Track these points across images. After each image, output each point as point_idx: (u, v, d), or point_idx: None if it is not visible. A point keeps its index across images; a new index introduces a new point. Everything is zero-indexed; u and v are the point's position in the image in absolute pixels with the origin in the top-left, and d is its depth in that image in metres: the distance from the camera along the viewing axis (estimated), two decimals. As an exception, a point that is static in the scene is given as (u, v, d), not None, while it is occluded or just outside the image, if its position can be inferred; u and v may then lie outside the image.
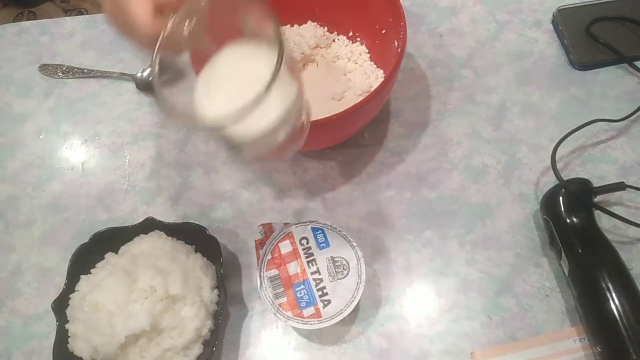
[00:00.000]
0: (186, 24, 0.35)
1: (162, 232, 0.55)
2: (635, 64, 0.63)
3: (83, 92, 0.70)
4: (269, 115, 0.35)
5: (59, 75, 0.71)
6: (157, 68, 0.34)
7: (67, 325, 0.50)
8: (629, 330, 0.45)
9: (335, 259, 0.49)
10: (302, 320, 0.47)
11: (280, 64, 0.33)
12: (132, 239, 0.54)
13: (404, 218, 0.58)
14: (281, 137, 0.38)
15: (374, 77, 0.62)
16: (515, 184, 0.59)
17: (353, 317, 0.53)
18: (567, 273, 0.51)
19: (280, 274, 0.49)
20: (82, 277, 0.52)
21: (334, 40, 0.66)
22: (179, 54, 0.36)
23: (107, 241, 0.54)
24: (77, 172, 0.65)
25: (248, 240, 0.58)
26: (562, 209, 0.52)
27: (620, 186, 0.54)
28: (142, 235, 0.55)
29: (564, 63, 0.65)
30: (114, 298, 0.47)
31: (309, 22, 0.65)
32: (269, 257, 0.50)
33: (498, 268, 0.55)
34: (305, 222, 0.51)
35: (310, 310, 0.47)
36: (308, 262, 0.49)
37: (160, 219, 0.56)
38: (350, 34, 0.65)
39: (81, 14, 1.63)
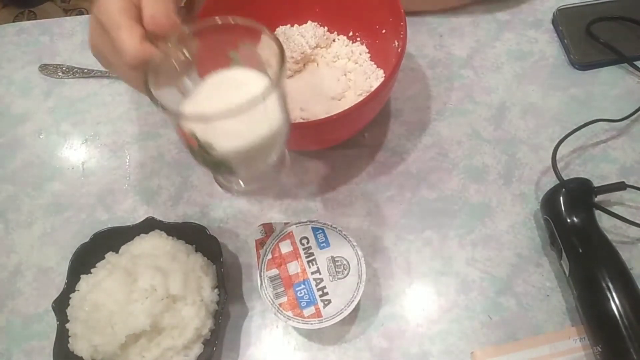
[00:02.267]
0: (176, 54, 0.36)
1: (162, 232, 0.55)
2: (635, 63, 0.63)
3: (83, 92, 0.70)
4: (261, 126, 0.36)
5: (59, 75, 0.71)
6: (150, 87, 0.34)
7: (67, 325, 0.50)
8: (630, 330, 0.45)
9: (336, 259, 0.49)
10: (302, 320, 0.47)
11: (284, 68, 0.33)
12: (132, 239, 0.54)
13: (404, 218, 0.58)
14: (268, 158, 0.39)
15: (374, 77, 0.62)
16: (515, 184, 0.59)
17: (353, 316, 0.53)
18: (567, 273, 0.51)
19: (280, 274, 0.49)
20: (83, 276, 0.52)
21: (334, 40, 0.66)
22: (168, 83, 0.37)
23: (108, 241, 0.54)
24: (77, 172, 0.65)
25: (248, 240, 0.58)
26: (563, 208, 0.52)
27: (620, 186, 0.54)
28: (142, 235, 0.55)
29: (564, 63, 0.65)
30: (114, 298, 0.47)
31: (309, 22, 0.65)
32: (270, 256, 0.50)
33: (498, 268, 0.55)
34: (306, 222, 0.51)
35: (311, 310, 0.47)
36: (308, 262, 0.49)
37: (161, 219, 0.56)
38: (351, 33, 0.65)
39: (81, 13, 1.63)
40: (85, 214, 0.62)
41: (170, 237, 0.55)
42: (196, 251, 0.55)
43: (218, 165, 0.38)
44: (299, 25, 0.65)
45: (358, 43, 0.65)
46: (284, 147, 0.41)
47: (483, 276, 0.54)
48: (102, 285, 0.49)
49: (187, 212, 0.60)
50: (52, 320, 0.51)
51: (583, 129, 0.58)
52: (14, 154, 0.66)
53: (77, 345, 0.48)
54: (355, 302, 0.47)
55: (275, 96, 0.34)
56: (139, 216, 0.60)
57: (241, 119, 0.31)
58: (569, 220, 0.51)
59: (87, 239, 0.55)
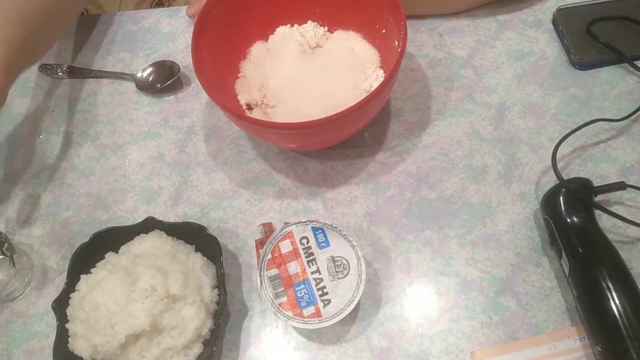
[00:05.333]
0: None
1: (162, 232, 0.55)
2: (635, 63, 0.63)
3: (83, 92, 0.70)
4: None
5: (59, 75, 0.71)
6: None
7: (67, 325, 0.50)
8: (629, 329, 0.45)
9: (336, 259, 0.49)
10: (302, 320, 0.47)
11: None
12: (132, 239, 0.55)
13: (404, 218, 0.58)
14: None
15: (374, 76, 0.62)
16: (515, 184, 0.59)
17: (353, 316, 0.53)
18: (567, 272, 0.51)
19: (280, 274, 0.49)
20: (83, 276, 0.52)
21: (334, 40, 0.66)
22: None
23: (108, 241, 0.54)
24: (77, 172, 0.65)
25: (248, 239, 0.58)
26: (563, 208, 0.52)
27: (620, 186, 0.54)
28: (142, 235, 0.55)
29: (564, 63, 0.65)
30: (114, 297, 0.47)
31: (309, 21, 0.65)
32: (269, 256, 0.50)
33: (498, 268, 0.54)
34: (306, 222, 0.51)
35: (311, 309, 0.47)
36: (308, 262, 0.49)
37: (161, 219, 0.56)
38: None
39: (81, 14, 1.62)
40: (85, 214, 0.62)
41: (170, 237, 0.55)
42: (196, 251, 0.55)
43: None
44: (299, 25, 0.65)
45: (358, 43, 0.65)
46: None
47: (483, 276, 0.54)
48: (102, 285, 0.49)
49: (187, 212, 0.60)
50: (52, 320, 0.51)
51: (583, 129, 0.58)
52: (14, 154, 0.66)
53: (77, 345, 0.48)
54: (355, 302, 0.47)
55: None
56: (139, 216, 0.60)
57: None
58: (568, 220, 0.51)
59: (87, 239, 0.55)
